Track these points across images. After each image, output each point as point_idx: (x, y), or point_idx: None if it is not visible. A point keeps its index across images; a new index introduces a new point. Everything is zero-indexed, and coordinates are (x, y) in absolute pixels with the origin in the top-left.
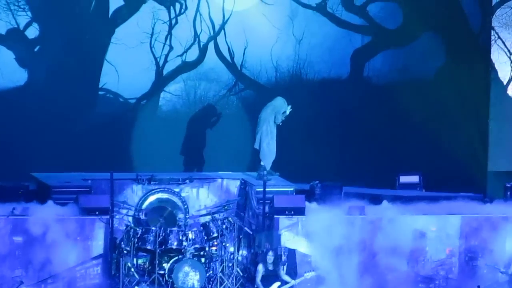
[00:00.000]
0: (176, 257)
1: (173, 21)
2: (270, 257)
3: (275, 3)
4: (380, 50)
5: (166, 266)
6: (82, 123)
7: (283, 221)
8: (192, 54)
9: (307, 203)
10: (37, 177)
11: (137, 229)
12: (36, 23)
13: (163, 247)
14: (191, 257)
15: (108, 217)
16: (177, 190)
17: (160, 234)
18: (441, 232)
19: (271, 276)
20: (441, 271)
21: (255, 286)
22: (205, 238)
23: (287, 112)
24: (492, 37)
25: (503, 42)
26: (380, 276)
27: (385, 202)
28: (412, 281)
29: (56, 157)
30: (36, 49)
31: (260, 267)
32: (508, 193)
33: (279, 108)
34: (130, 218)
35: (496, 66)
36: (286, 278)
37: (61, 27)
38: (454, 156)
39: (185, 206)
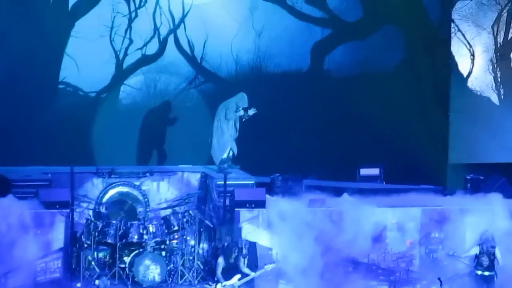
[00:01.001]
0: (137, 251)
1: (133, 14)
2: (230, 250)
3: None
4: (340, 43)
5: (127, 259)
6: (42, 117)
7: (244, 214)
8: (152, 48)
9: (267, 196)
10: None
11: (98, 222)
12: None
13: (124, 240)
14: (151, 251)
15: (68, 210)
16: (137, 183)
17: (121, 228)
18: (402, 225)
19: (232, 269)
20: (402, 264)
21: (216, 279)
22: (166, 231)
23: (249, 112)
24: (452, 30)
25: (463, 35)
26: (341, 268)
27: (345, 195)
28: (373, 273)
29: (16, 151)
30: None
31: (221, 260)
32: (469, 185)
33: (231, 104)
34: (91, 212)
35: (456, 58)
36: (246, 270)
37: (20, 20)
38: (415, 149)
39: (146, 200)
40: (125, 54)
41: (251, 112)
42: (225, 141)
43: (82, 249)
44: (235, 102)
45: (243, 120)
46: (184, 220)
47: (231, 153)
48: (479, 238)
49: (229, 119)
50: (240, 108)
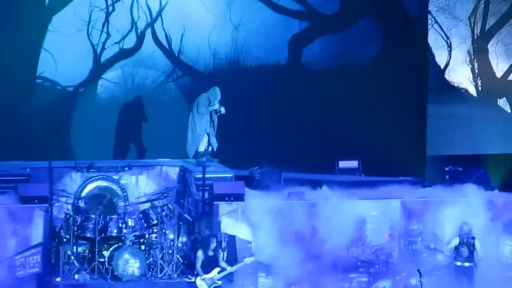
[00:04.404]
0: (116, 245)
1: (110, 8)
2: (209, 243)
3: None
4: (318, 36)
5: (106, 253)
6: (20, 112)
7: (223, 207)
8: (130, 41)
9: (246, 189)
10: None
11: (77, 217)
12: None
13: (103, 234)
14: (131, 245)
15: (47, 205)
16: (116, 177)
17: (100, 222)
18: (381, 217)
19: (211, 262)
20: (381, 256)
21: (195, 273)
22: (145, 225)
23: (221, 109)
24: (429, 21)
25: (440, 26)
26: (320, 261)
27: (324, 187)
28: (352, 266)
29: None
30: None
31: (200, 254)
32: (447, 176)
33: (203, 98)
34: (70, 206)
35: (434, 50)
36: (224, 265)
37: None
38: (393, 141)
39: (125, 194)
40: (103, 48)
41: (219, 107)
42: (198, 135)
43: (61, 244)
44: (207, 96)
45: (218, 114)
46: (163, 214)
47: (209, 147)
48: (459, 230)
49: (201, 114)
50: (214, 102)
